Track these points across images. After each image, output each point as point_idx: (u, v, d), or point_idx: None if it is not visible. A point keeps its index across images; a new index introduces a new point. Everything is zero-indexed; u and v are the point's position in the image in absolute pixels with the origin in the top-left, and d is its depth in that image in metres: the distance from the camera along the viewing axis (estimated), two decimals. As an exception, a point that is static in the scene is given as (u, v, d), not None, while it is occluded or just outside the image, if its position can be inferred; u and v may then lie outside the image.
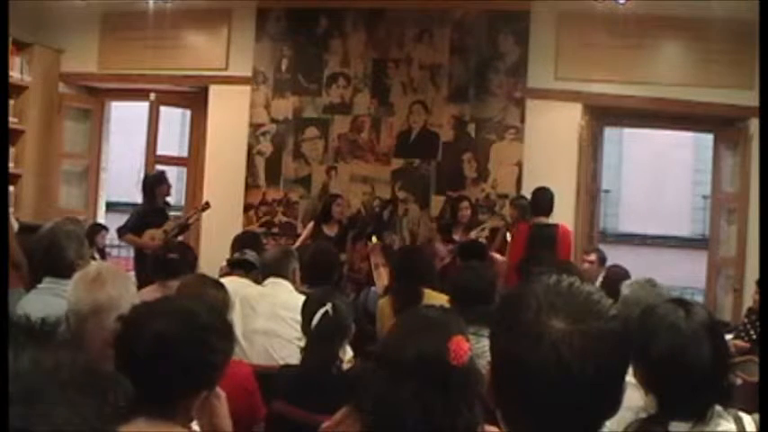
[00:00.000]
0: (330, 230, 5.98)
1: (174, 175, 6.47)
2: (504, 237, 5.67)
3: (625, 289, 2.63)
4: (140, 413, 1.42)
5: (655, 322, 1.74)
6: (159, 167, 6.77)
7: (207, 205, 6.10)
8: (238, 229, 5.94)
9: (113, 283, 2.01)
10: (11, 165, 6.46)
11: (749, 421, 1.72)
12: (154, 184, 6.14)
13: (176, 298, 1.66)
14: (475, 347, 1.60)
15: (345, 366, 2.60)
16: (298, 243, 5.73)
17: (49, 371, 0.62)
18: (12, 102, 6.57)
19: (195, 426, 1.59)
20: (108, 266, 2.16)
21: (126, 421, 1.35)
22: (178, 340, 1.49)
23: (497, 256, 5.52)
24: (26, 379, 0.60)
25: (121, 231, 6.02)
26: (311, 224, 6.12)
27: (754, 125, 5.81)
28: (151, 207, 6.09)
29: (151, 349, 1.47)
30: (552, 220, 5.61)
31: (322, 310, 2.52)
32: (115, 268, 2.20)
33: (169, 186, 6.23)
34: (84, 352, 0.70)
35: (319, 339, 2.53)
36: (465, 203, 5.95)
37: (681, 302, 1.81)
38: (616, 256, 6.15)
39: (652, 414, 1.67)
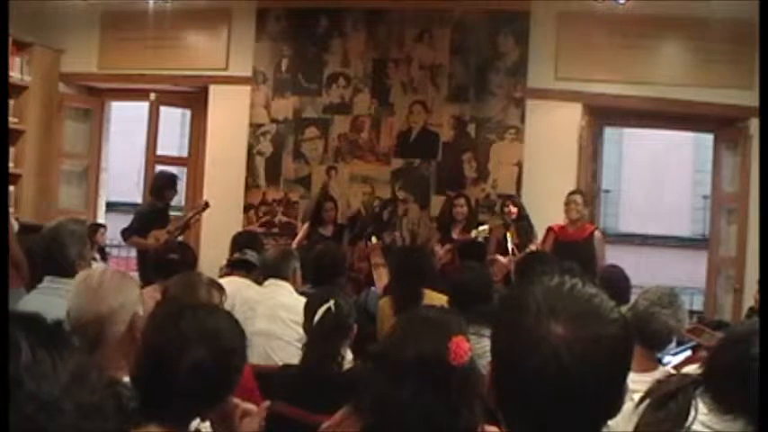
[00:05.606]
0: (326, 230, 6.00)
1: (175, 175, 6.44)
2: (505, 237, 5.63)
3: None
4: (152, 418, 1.42)
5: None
6: (164, 169, 6.70)
7: (206, 205, 6.07)
8: (238, 229, 5.93)
9: (116, 294, 1.98)
10: (11, 165, 6.45)
11: None
12: (166, 185, 6.07)
13: (198, 312, 1.63)
14: (475, 347, 1.60)
15: (345, 366, 2.60)
16: (294, 244, 5.73)
17: (70, 374, 0.62)
18: (12, 102, 6.56)
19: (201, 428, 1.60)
20: (112, 272, 2.09)
21: (137, 426, 1.36)
22: (208, 369, 1.48)
23: (500, 258, 5.44)
24: (46, 382, 0.60)
25: (125, 234, 5.98)
26: (306, 224, 6.13)
27: (754, 125, 5.81)
28: (155, 207, 6.04)
29: (180, 376, 1.45)
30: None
31: (324, 307, 2.53)
32: (119, 274, 2.14)
33: (177, 191, 6.21)
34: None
35: (321, 336, 2.54)
36: (461, 201, 5.91)
37: None
38: (616, 256, 6.14)
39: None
